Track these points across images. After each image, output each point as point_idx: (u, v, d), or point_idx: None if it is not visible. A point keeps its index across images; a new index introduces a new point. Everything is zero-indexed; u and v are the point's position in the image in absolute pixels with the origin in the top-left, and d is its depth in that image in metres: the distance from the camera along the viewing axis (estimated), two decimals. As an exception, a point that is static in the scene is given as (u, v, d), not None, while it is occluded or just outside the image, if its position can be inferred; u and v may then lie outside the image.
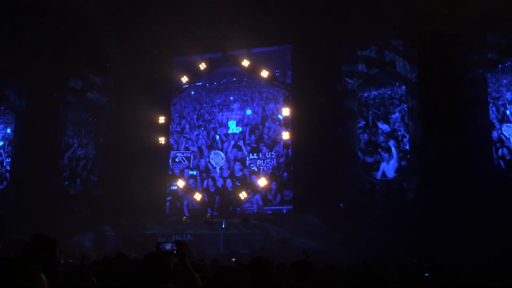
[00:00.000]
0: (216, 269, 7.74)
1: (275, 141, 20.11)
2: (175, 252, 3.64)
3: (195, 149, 21.11)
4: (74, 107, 22.38)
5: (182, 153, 21.13)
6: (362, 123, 18.88)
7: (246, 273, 3.71)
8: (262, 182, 19.34)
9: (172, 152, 21.25)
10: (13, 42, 19.73)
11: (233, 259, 13.21)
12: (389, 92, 18.86)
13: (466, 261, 10.07)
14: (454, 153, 16.31)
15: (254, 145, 20.30)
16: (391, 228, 15.48)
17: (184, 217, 19.24)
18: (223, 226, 18.24)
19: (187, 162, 20.96)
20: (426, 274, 6.64)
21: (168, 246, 3.64)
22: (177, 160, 21.15)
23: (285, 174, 19.75)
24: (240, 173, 20.14)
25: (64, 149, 22.08)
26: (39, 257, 2.55)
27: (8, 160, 22.74)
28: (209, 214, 19.07)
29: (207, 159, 20.74)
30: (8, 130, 23.05)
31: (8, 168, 22.58)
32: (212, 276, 4.53)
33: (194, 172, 20.80)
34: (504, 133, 17.07)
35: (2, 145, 23.06)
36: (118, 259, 6.30)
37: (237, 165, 20.24)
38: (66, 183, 21.80)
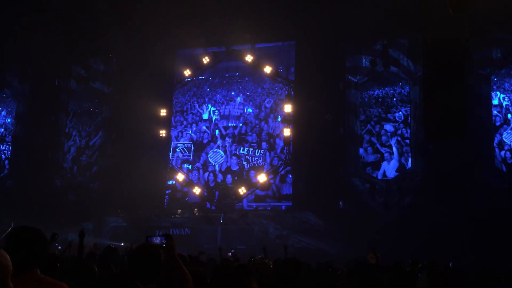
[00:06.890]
0: (214, 264, 7.70)
1: (275, 138, 20.01)
2: (164, 245, 3.57)
3: (195, 143, 21.04)
4: (76, 97, 22.33)
5: (183, 144, 21.08)
6: (364, 121, 18.77)
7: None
8: (262, 178, 19.25)
9: (173, 143, 21.18)
10: (17, 29, 19.66)
11: (232, 251, 13.24)
12: (392, 91, 18.73)
13: (466, 262, 9.99)
14: (456, 154, 16.20)
15: (254, 141, 20.21)
16: (390, 228, 15.38)
17: (179, 210, 19.19)
18: (221, 221, 18.18)
19: (187, 153, 20.88)
20: (420, 275, 6.55)
21: (157, 240, 3.57)
22: (177, 150, 21.08)
23: (284, 170, 19.65)
24: (239, 169, 20.05)
25: (64, 138, 22.01)
26: None
27: (8, 148, 22.68)
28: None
29: (207, 156, 20.65)
30: (9, 120, 22.97)
31: (8, 156, 22.53)
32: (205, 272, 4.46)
33: (190, 167, 20.74)
34: (505, 139, 16.96)
35: (3, 132, 22.97)
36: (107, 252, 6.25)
37: (237, 161, 20.15)
38: (65, 173, 21.73)
